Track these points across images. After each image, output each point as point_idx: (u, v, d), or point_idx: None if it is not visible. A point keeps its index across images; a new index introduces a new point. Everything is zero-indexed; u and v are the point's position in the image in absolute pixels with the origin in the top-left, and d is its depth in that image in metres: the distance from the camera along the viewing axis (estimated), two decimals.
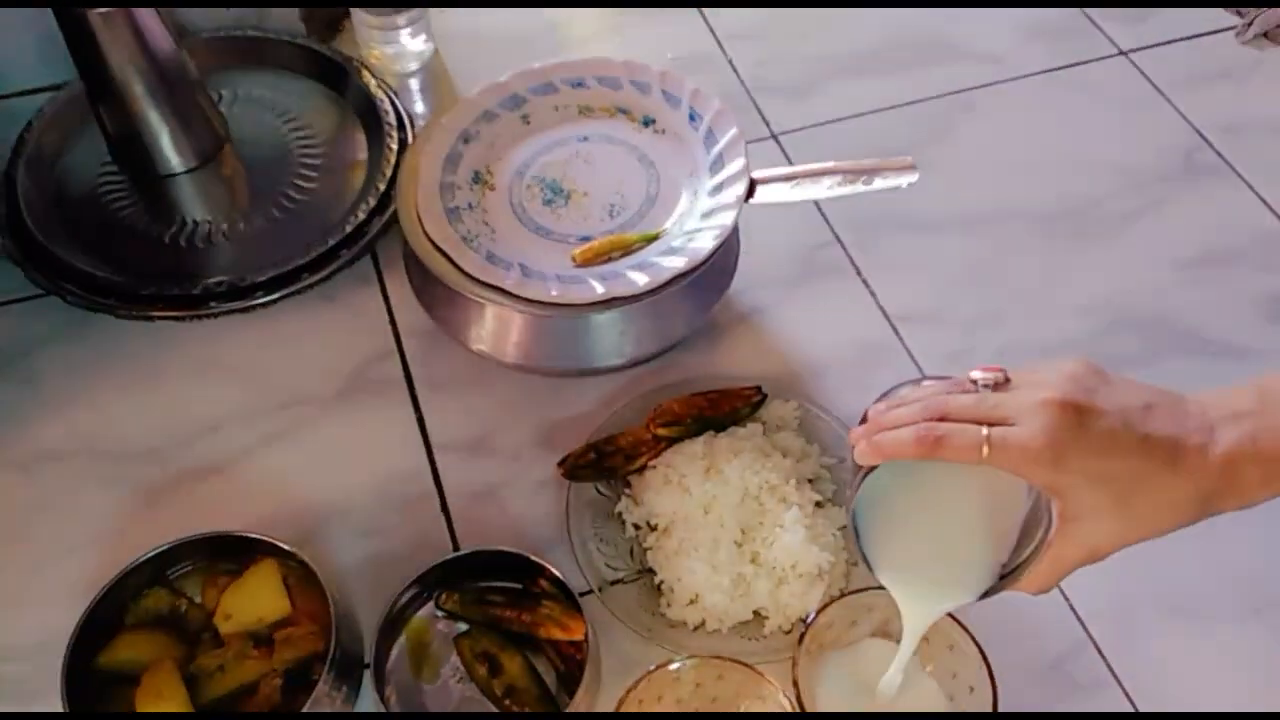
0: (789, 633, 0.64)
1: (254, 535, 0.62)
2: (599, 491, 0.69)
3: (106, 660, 0.60)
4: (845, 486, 0.70)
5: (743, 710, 0.59)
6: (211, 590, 0.63)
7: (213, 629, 0.62)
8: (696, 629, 0.64)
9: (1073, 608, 0.67)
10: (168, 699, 0.58)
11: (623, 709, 0.57)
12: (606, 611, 0.64)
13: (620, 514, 0.68)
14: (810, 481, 0.69)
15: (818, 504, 0.67)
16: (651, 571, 0.66)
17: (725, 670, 0.58)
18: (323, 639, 0.60)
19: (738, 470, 0.66)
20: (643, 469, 0.69)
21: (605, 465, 0.68)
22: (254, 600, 0.62)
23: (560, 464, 0.69)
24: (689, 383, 0.73)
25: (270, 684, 0.59)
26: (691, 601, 0.64)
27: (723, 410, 0.70)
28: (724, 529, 0.65)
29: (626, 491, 0.69)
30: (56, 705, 0.57)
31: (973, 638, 0.59)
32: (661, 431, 0.69)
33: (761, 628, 0.65)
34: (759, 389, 0.72)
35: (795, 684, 0.58)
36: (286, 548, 0.62)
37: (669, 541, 0.66)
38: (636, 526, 0.68)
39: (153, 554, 0.62)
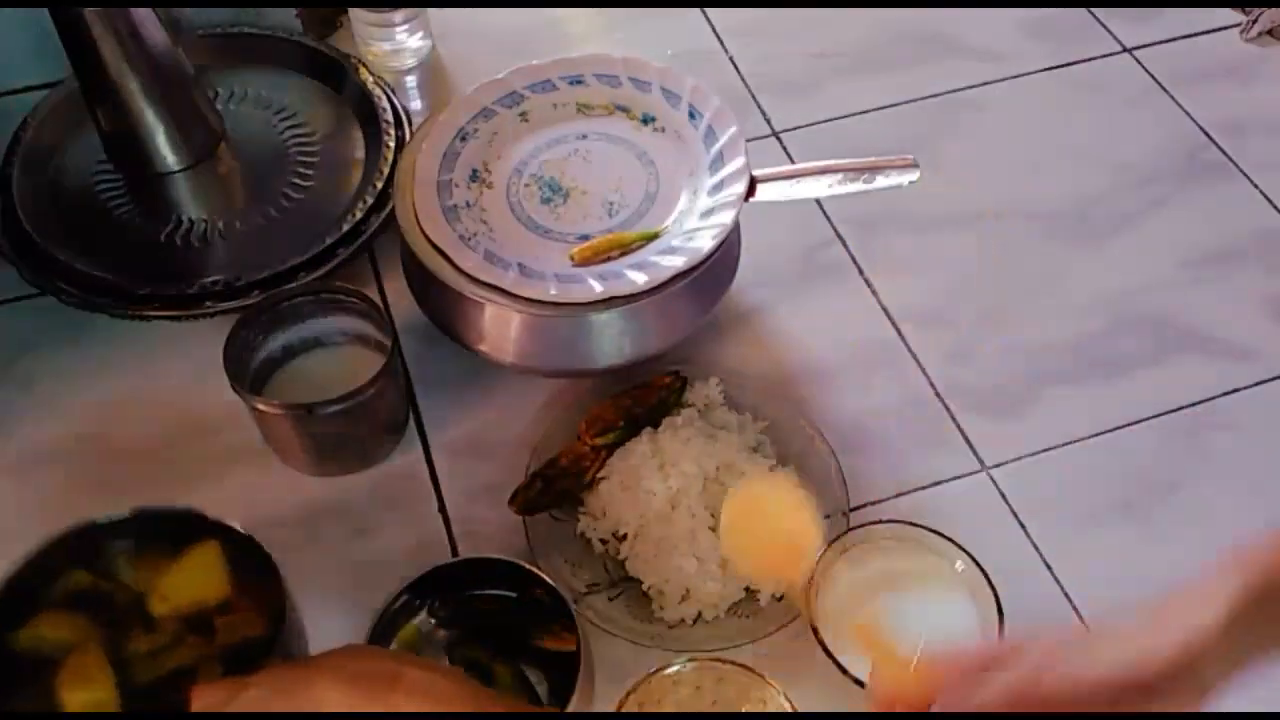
0: (781, 599, 0.64)
1: (192, 510, 0.58)
2: (554, 517, 0.68)
3: (27, 639, 0.55)
4: (783, 445, 0.71)
5: (743, 712, 0.58)
6: (145, 571, 0.58)
7: (143, 612, 0.57)
8: (695, 623, 0.64)
9: (1076, 609, 0.67)
10: (94, 683, 0.54)
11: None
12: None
13: (583, 534, 0.68)
14: (754, 449, 0.69)
15: (771, 469, 0.68)
16: (631, 580, 0.66)
17: (726, 673, 0.58)
18: (268, 624, 0.56)
19: (692, 458, 0.66)
20: (593, 483, 0.68)
21: (555, 490, 0.67)
22: (193, 581, 0.57)
23: (511, 502, 0.67)
24: (608, 387, 0.72)
25: (211, 670, 0.55)
26: (684, 598, 0.64)
27: (650, 404, 0.70)
28: (695, 518, 0.65)
29: (581, 510, 0.68)
30: None
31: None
32: (599, 441, 0.68)
33: (755, 602, 0.65)
34: (678, 373, 0.71)
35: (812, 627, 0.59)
36: (233, 525, 0.57)
37: (645, 546, 0.65)
38: (603, 541, 0.67)
39: (73, 530, 0.57)
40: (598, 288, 0.66)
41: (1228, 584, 0.46)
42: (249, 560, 0.58)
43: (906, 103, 0.94)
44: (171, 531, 0.59)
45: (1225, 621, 0.45)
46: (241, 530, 0.58)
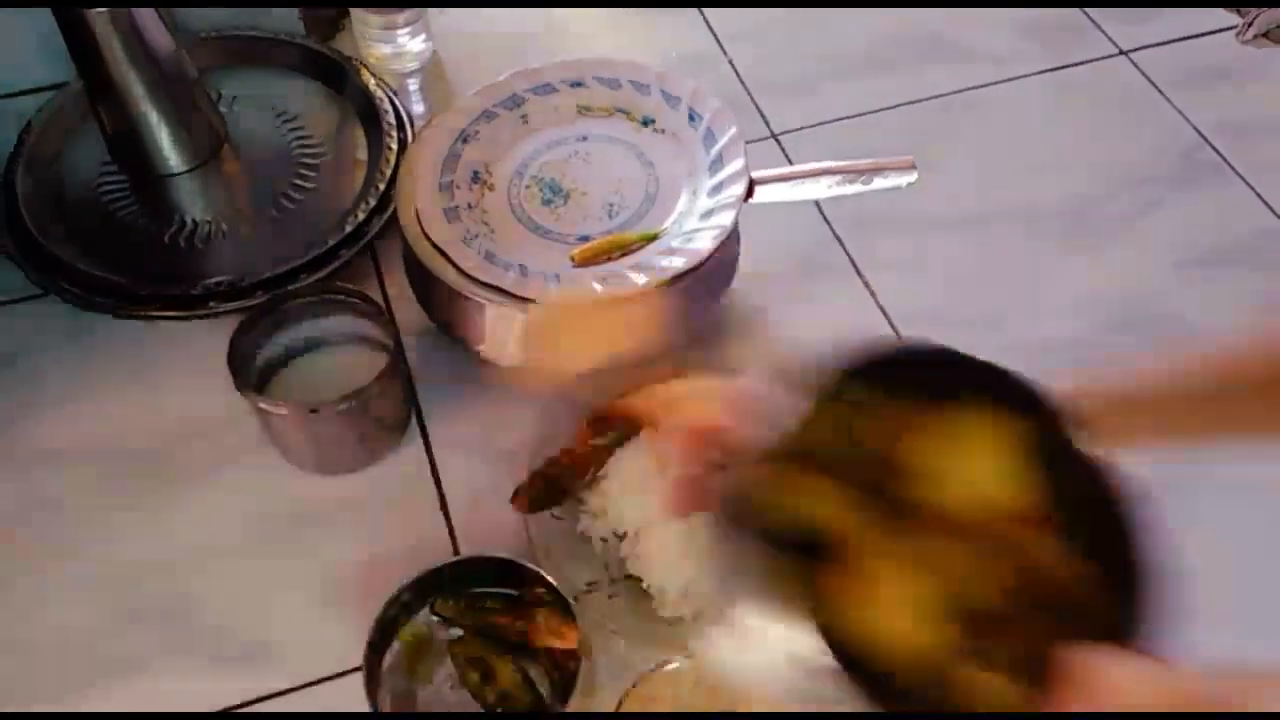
0: None
1: (970, 358, 0.39)
2: (555, 516, 0.68)
3: (779, 508, 0.36)
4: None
5: (742, 710, 0.59)
6: (896, 431, 0.38)
7: (895, 489, 0.37)
8: (696, 619, 0.64)
9: None
10: (911, 600, 0.34)
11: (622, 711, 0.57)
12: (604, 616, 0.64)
13: (584, 532, 0.68)
14: None
15: None
16: (632, 578, 0.66)
17: None
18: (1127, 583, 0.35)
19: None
20: (593, 482, 0.68)
21: (556, 489, 0.67)
22: (982, 464, 0.37)
23: (513, 500, 0.67)
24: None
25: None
26: (685, 595, 0.64)
27: None
28: (695, 517, 0.65)
29: (583, 509, 0.68)
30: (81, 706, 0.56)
31: None
32: (599, 440, 0.68)
33: None
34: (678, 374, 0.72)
35: None
36: (1037, 391, 0.38)
37: (646, 545, 0.65)
38: (604, 539, 0.67)
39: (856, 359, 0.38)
40: (598, 288, 0.66)
41: None
42: (1060, 453, 0.38)
43: (905, 104, 0.94)
44: (937, 381, 0.39)
45: None
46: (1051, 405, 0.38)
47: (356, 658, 0.61)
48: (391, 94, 0.88)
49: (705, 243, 0.68)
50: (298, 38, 0.92)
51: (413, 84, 0.95)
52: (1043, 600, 0.35)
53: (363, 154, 0.85)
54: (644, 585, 0.66)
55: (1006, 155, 0.91)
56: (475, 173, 0.73)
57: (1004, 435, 0.38)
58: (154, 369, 0.76)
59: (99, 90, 0.79)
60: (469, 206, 0.72)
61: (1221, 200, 0.89)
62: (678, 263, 0.67)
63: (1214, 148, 0.92)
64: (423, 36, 0.94)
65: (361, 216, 0.79)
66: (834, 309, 0.81)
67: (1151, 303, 0.82)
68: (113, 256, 0.78)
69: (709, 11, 1.01)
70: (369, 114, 0.86)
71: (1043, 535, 0.36)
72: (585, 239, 0.70)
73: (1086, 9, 1.02)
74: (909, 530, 0.36)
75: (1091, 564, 0.36)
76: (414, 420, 0.74)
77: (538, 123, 0.76)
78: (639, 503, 0.66)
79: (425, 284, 0.72)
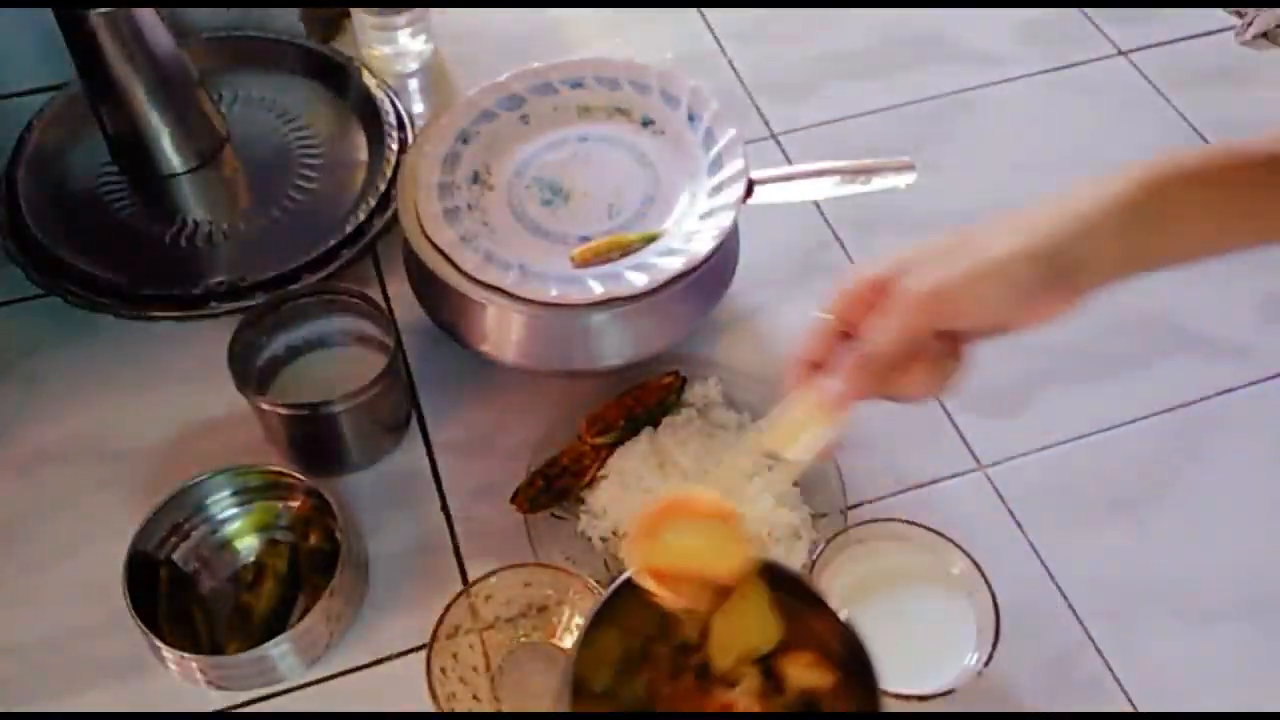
0: None
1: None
2: (555, 515, 0.69)
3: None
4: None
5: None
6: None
7: (685, 653, 0.51)
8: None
9: (1071, 607, 0.67)
10: None
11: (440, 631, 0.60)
12: None
13: (584, 532, 0.68)
14: None
15: (769, 468, 0.68)
16: None
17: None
18: (832, 670, 0.50)
19: (691, 458, 0.67)
20: (593, 482, 0.69)
21: (555, 489, 0.68)
22: (747, 627, 0.51)
23: (513, 500, 0.68)
24: (608, 387, 0.73)
25: None
26: None
27: (651, 404, 0.70)
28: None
29: (583, 508, 0.69)
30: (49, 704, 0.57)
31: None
32: (599, 440, 0.69)
33: None
34: (677, 373, 0.72)
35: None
36: (774, 561, 0.51)
37: None
38: (603, 539, 0.68)
39: None
40: (598, 289, 0.66)
41: (1127, 173, 0.50)
42: (795, 595, 0.51)
43: (904, 105, 0.95)
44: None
45: (1121, 201, 0.50)
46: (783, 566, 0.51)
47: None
48: (392, 94, 0.88)
49: (705, 243, 0.68)
50: (298, 38, 0.92)
51: (413, 84, 0.95)
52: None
53: (363, 154, 0.86)
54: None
55: (1006, 155, 0.91)
56: (475, 173, 0.74)
57: (756, 598, 0.50)
58: (155, 369, 0.77)
59: (99, 91, 0.79)
60: (469, 207, 0.72)
61: None
62: (677, 263, 0.67)
63: None
64: (423, 37, 0.94)
65: (362, 217, 0.79)
66: None
67: (1150, 302, 0.82)
68: (114, 257, 0.78)
69: (709, 11, 1.02)
70: (369, 114, 0.87)
71: (803, 659, 0.51)
72: (585, 239, 0.70)
73: (1086, 9, 1.02)
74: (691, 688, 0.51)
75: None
76: (414, 420, 0.74)
77: (538, 123, 0.76)
78: (639, 503, 0.66)
79: (426, 284, 0.72)
